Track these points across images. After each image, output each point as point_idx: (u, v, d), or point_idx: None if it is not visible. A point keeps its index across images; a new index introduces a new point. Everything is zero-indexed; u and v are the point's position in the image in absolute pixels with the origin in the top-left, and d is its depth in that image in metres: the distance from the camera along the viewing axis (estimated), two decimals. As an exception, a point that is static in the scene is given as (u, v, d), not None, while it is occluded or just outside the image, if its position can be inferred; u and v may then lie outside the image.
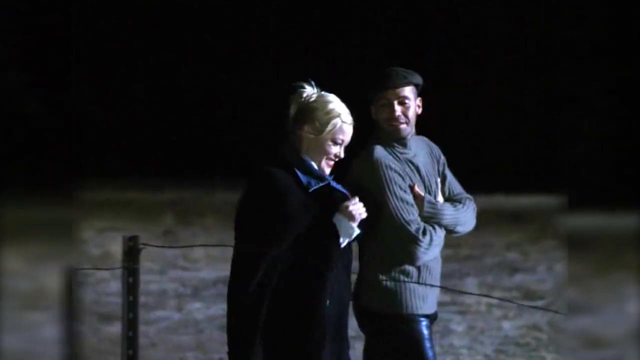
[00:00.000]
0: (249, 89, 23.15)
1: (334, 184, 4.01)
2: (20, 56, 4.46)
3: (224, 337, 7.81)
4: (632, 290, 4.57)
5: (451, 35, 23.40)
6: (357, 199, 4.00)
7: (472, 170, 23.37)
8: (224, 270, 10.97)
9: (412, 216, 4.24)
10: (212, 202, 18.69)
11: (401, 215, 4.21)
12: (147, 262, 11.73)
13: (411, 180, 4.32)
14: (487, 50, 23.14)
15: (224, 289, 10.02)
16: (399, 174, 4.28)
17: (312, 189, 3.90)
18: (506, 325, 8.64)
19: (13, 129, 4.45)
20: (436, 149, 4.55)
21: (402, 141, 4.36)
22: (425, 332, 4.32)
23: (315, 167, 3.96)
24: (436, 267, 4.41)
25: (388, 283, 4.26)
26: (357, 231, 3.97)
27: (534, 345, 7.99)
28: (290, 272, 3.84)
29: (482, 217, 14.94)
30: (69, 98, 4.53)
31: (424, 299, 4.33)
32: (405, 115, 4.32)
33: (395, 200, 4.22)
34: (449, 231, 4.40)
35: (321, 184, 3.94)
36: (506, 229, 16.72)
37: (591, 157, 4.93)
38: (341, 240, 3.93)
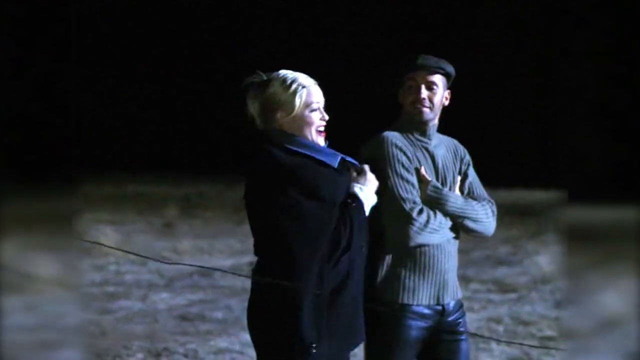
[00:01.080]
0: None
1: (342, 155, 3.91)
2: (20, 53, 4.46)
3: (177, 327, 8.05)
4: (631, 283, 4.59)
5: (452, 30, 23.43)
6: (367, 167, 3.97)
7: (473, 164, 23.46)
8: (206, 262, 11.27)
9: (409, 194, 4.15)
10: (213, 195, 18.77)
11: (398, 191, 4.12)
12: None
13: (419, 164, 4.25)
14: (488, 44, 23.16)
15: (199, 280, 10.26)
16: (406, 155, 4.21)
17: (337, 162, 3.82)
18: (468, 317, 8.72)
19: (13, 125, 4.46)
20: (462, 149, 4.48)
21: (422, 127, 4.30)
22: (406, 325, 4.20)
23: (314, 143, 3.85)
24: (440, 258, 4.26)
25: (379, 266, 4.18)
26: (376, 198, 3.94)
27: (487, 335, 7.96)
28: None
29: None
30: (68, 93, 4.55)
31: (414, 289, 4.20)
32: (431, 101, 4.27)
33: (395, 177, 4.14)
34: (462, 227, 4.30)
35: (339, 157, 3.85)
36: (506, 222, 16.82)
37: (590, 151, 4.94)
38: (366, 209, 3.87)
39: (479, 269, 11.09)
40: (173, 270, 10.88)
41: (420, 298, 4.21)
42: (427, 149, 4.30)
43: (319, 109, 3.85)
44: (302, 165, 3.72)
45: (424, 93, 4.24)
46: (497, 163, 22.09)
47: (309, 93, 3.82)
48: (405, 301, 4.18)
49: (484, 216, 4.32)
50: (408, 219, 4.10)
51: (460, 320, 4.35)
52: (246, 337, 7.66)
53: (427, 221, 4.14)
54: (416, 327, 4.20)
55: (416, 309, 4.21)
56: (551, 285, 10.25)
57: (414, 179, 4.19)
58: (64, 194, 4.70)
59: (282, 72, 3.88)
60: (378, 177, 4.03)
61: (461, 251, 12.96)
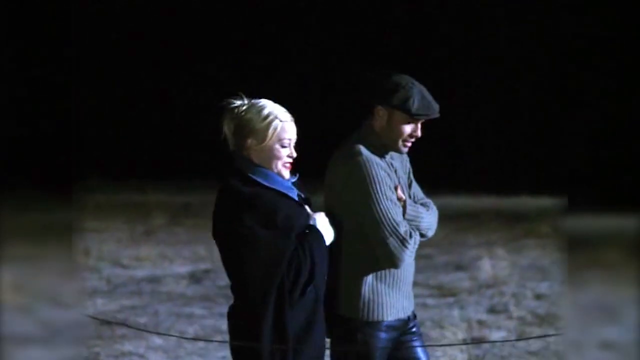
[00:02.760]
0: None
1: (296, 192, 3.95)
2: (20, 60, 4.51)
3: (94, 331, 7.98)
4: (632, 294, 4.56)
5: (453, 36, 23.36)
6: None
7: (473, 170, 23.42)
8: (165, 269, 11.44)
9: (400, 217, 4.10)
10: (206, 203, 18.90)
11: (391, 216, 4.04)
12: (98, 260, 12.12)
13: (393, 181, 4.20)
14: (489, 52, 23.07)
15: (144, 286, 10.34)
16: (388, 174, 4.14)
17: (295, 195, 3.89)
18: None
19: (12, 132, 4.53)
20: (406, 158, 4.41)
21: (387, 149, 4.24)
22: (381, 339, 4.17)
23: (277, 176, 3.90)
24: (409, 271, 4.26)
25: (356, 288, 4.13)
26: (333, 234, 3.97)
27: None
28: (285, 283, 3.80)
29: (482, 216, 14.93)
30: (68, 103, 4.60)
31: (390, 305, 4.19)
32: None
33: (385, 201, 4.05)
34: (422, 237, 4.27)
35: (295, 194, 3.91)
36: (494, 228, 16.81)
37: (591, 159, 4.93)
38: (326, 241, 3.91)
39: (432, 274, 11.09)
40: (124, 277, 11.05)
41: (396, 312, 4.22)
42: (391, 164, 4.26)
43: (289, 145, 3.91)
44: (260, 195, 3.78)
45: (419, 134, 4.21)
46: (499, 170, 21.98)
47: (282, 128, 3.89)
48: (381, 318, 4.17)
49: (435, 223, 4.33)
50: (403, 243, 4.06)
51: (415, 321, 4.39)
52: (156, 341, 7.83)
53: (415, 242, 4.12)
54: (387, 340, 4.21)
55: (389, 323, 4.21)
56: (493, 290, 10.22)
57: (395, 199, 4.15)
58: (63, 204, 4.74)
59: (263, 101, 3.94)
60: (354, 199, 4.03)
61: (425, 257, 12.86)
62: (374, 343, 4.12)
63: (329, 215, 4.01)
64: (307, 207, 3.95)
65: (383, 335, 4.17)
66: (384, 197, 4.06)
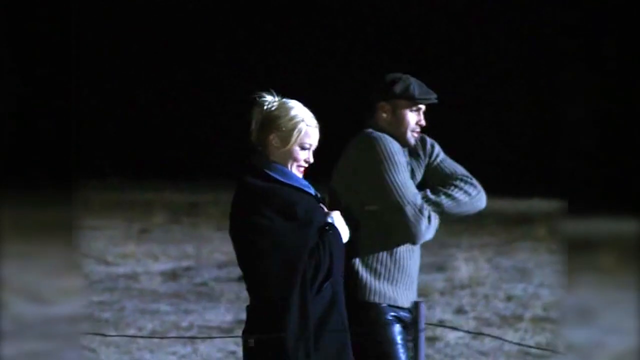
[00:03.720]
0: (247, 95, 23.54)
1: (313, 189, 3.95)
2: (19, 60, 4.54)
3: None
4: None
5: (453, 40, 23.31)
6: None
7: (474, 173, 23.25)
8: (142, 267, 11.53)
9: (416, 190, 4.15)
10: (209, 202, 18.99)
11: (408, 187, 4.12)
12: (83, 256, 12.21)
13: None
14: (488, 53, 22.99)
15: (126, 282, 10.40)
16: (402, 155, 4.20)
17: (313, 191, 3.90)
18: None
19: (10, 132, 4.56)
20: (425, 143, 4.42)
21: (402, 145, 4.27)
22: (388, 320, 4.20)
23: (293, 173, 3.91)
24: (416, 262, 4.30)
25: (367, 271, 4.18)
26: (349, 234, 3.96)
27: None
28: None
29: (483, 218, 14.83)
30: (67, 103, 4.62)
31: (398, 292, 4.21)
32: None
33: (403, 173, 4.13)
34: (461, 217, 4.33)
35: (313, 191, 3.92)
36: (492, 230, 16.78)
37: (590, 163, 4.91)
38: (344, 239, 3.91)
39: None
40: (102, 274, 11.15)
41: (400, 299, 4.23)
42: (404, 154, 4.28)
43: (309, 149, 3.93)
44: (278, 189, 3.81)
45: (424, 120, 4.31)
46: (498, 172, 21.92)
47: (306, 133, 3.90)
48: (392, 303, 4.19)
49: (477, 200, 4.31)
50: (421, 211, 4.09)
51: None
52: (111, 337, 7.88)
53: (430, 218, 4.13)
54: (398, 324, 4.21)
55: (395, 312, 4.22)
56: (467, 291, 10.20)
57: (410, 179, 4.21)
58: (62, 202, 4.74)
59: (293, 102, 3.97)
60: (371, 174, 4.08)
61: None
62: (385, 323, 4.16)
63: (343, 211, 4.00)
64: (323, 206, 3.95)
65: (394, 318, 4.19)
66: (402, 169, 4.13)
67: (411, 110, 4.27)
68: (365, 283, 4.17)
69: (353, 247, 4.08)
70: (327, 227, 3.84)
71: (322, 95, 24.26)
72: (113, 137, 25.51)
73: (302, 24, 25.01)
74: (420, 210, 4.10)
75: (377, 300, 4.17)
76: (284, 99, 3.97)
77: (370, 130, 4.24)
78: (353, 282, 4.14)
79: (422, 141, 4.41)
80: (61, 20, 4.65)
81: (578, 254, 4.85)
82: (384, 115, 4.28)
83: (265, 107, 3.93)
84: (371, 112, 4.33)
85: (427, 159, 4.40)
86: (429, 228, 4.13)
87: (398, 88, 4.26)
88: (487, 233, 16.52)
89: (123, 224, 16.21)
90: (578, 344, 7.75)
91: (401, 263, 4.22)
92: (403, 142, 4.27)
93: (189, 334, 8.20)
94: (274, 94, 3.97)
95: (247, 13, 25.47)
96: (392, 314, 4.20)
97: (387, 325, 4.17)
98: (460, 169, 4.39)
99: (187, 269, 11.59)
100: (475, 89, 22.87)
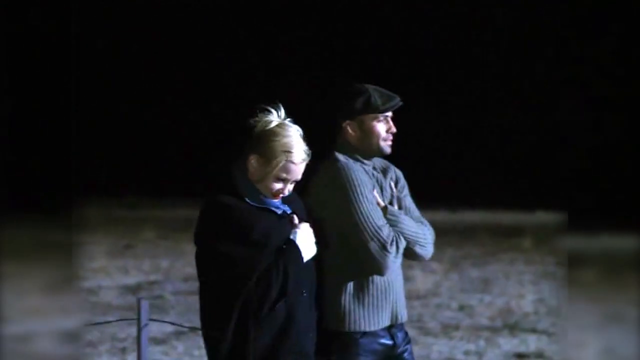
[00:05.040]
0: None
1: (284, 207, 3.83)
2: (16, 78, 4.54)
3: None
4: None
5: (449, 49, 23.24)
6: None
7: (471, 187, 23.20)
8: (108, 281, 11.58)
9: (382, 221, 3.97)
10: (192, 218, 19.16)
11: (372, 220, 3.94)
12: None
13: (373, 186, 4.09)
14: (486, 65, 22.91)
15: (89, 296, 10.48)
16: (368, 178, 4.06)
17: (280, 211, 3.77)
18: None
19: (11, 152, 4.57)
20: (394, 171, 4.30)
21: (374, 156, 4.19)
22: (364, 350, 4.02)
23: (264, 196, 3.77)
24: (397, 279, 4.09)
25: (338, 298, 4.01)
26: (315, 248, 3.83)
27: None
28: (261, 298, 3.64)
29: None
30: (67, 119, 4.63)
31: (371, 315, 4.04)
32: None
33: (367, 204, 3.96)
34: (410, 252, 4.06)
35: (283, 209, 3.80)
36: (482, 242, 16.78)
37: (590, 176, 4.88)
38: (305, 255, 3.75)
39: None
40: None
41: (380, 321, 4.06)
42: (372, 173, 4.17)
43: (285, 180, 3.75)
44: (239, 209, 3.68)
45: (394, 128, 4.17)
46: (498, 186, 21.81)
47: (285, 166, 3.71)
48: (364, 328, 4.02)
49: (430, 241, 4.15)
50: (385, 249, 3.93)
51: (407, 346, 4.18)
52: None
53: (398, 247, 3.97)
54: (372, 351, 4.05)
55: (369, 344, 4.05)
56: (422, 301, 10.19)
57: (376, 205, 4.03)
58: (63, 222, 4.69)
59: (293, 129, 3.78)
60: (335, 205, 3.95)
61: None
62: (356, 353, 3.99)
63: (316, 227, 3.87)
64: (295, 219, 3.80)
65: (366, 346, 4.03)
66: (365, 200, 3.97)
67: (378, 121, 4.13)
68: (334, 308, 4.00)
69: (322, 266, 3.94)
70: (285, 245, 3.69)
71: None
72: (110, 152, 25.65)
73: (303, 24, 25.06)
74: (384, 246, 3.92)
75: (346, 328, 4.00)
76: (286, 122, 3.78)
77: (336, 157, 4.06)
78: (324, 307, 3.98)
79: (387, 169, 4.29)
80: (61, 38, 4.63)
81: (575, 269, 4.75)
82: (352, 133, 4.13)
83: (261, 123, 3.74)
84: (338, 131, 4.17)
85: (393, 183, 4.24)
86: (395, 261, 3.94)
87: (359, 103, 4.10)
88: (475, 244, 16.49)
89: (105, 240, 16.34)
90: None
91: (374, 284, 4.03)
92: (378, 153, 4.15)
93: (122, 344, 8.23)
94: (281, 109, 3.79)
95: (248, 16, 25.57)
96: (364, 341, 4.02)
97: (355, 356, 3.99)
98: (417, 212, 4.23)
99: (152, 282, 11.64)
100: (474, 106, 22.83)
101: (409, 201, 4.24)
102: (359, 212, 3.95)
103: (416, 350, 8.15)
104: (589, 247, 4.65)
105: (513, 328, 8.75)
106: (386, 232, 3.94)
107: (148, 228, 18.12)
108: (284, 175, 3.70)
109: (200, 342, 3.77)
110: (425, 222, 4.21)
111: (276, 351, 3.64)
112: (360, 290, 4.01)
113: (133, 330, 8.59)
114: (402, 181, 4.28)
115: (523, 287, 11.23)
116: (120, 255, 14.36)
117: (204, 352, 3.70)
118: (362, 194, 3.96)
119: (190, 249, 12.36)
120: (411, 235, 4.05)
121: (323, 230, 3.90)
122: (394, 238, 3.96)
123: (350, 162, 4.07)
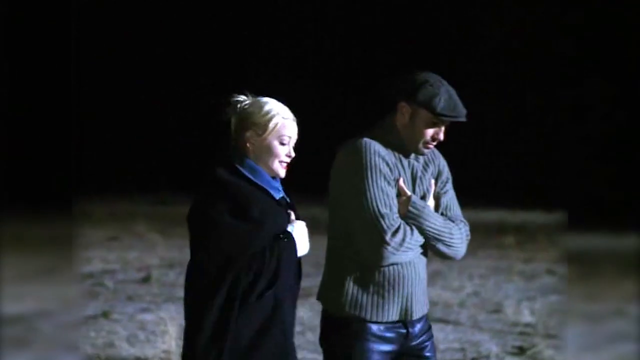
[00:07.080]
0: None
1: (285, 196, 3.82)
2: (20, 74, 4.49)
3: None
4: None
5: (451, 49, 23.26)
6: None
7: (471, 186, 23.17)
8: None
9: (387, 209, 3.76)
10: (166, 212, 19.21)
11: (376, 205, 3.74)
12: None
13: (399, 176, 3.89)
14: (489, 68, 22.96)
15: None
16: (387, 165, 3.84)
17: (278, 196, 3.75)
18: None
19: (10, 147, 4.51)
20: (441, 162, 4.10)
21: (405, 148, 3.96)
22: (368, 340, 3.87)
23: (267, 173, 3.78)
24: (408, 273, 3.90)
25: (341, 281, 3.89)
26: (308, 248, 3.80)
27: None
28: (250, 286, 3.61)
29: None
30: (68, 115, 4.57)
31: (379, 305, 3.87)
32: None
33: (375, 189, 3.76)
34: (433, 249, 3.90)
35: (281, 194, 3.79)
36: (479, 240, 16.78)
37: (591, 177, 4.83)
38: (299, 251, 3.74)
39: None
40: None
41: (386, 314, 3.89)
42: (407, 160, 3.96)
43: (288, 143, 3.80)
44: (239, 186, 3.67)
45: (442, 137, 3.93)
46: (497, 185, 21.88)
47: (283, 125, 3.78)
48: (370, 318, 3.86)
49: (458, 241, 3.93)
50: (383, 239, 3.74)
51: (426, 343, 4.02)
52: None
53: (403, 240, 3.77)
54: (378, 351, 3.88)
55: (379, 331, 3.89)
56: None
57: (393, 192, 3.83)
58: (62, 217, 4.69)
59: (267, 98, 3.88)
60: (346, 187, 3.84)
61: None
62: (359, 341, 3.84)
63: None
64: (291, 213, 3.80)
65: (371, 336, 3.86)
66: (373, 184, 3.77)
67: (431, 122, 3.86)
68: (336, 288, 3.90)
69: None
70: (282, 235, 3.68)
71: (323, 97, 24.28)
72: (110, 149, 25.65)
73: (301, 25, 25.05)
74: (381, 235, 3.74)
75: (346, 311, 3.87)
76: (258, 97, 3.86)
77: (358, 138, 3.86)
78: (330, 294, 3.91)
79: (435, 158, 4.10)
80: (61, 36, 4.60)
81: (577, 267, 4.70)
82: (402, 117, 3.91)
83: (238, 106, 3.81)
84: (390, 109, 3.98)
85: (434, 179, 4.04)
86: (397, 253, 3.77)
87: (422, 95, 3.85)
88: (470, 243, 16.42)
89: (95, 232, 16.26)
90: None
91: (382, 273, 3.86)
92: (413, 150, 3.94)
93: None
94: (248, 94, 3.86)
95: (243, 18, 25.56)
96: (372, 330, 3.87)
97: (362, 342, 3.84)
98: (457, 211, 4.03)
99: (107, 271, 11.92)
100: (476, 105, 22.95)
101: (449, 197, 4.05)
102: (364, 195, 3.77)
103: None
104: (589, 247, 4.62)
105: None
106: (388, 221, 3.75)
107: (140, 222, 18.01)
108: (285, 132, 3.75)
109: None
110: (463, 222, 4.00)
111: (264, 339, 3.62)
112: (366, 276, 3.86)
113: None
114: (445, 176, 4.08)
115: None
116: (100, 248, 14.26)
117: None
118: (370, 177, 3.77)
119: (169, 241, 12.12)
120: (433, 232, 3.86)
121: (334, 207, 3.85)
122: (400, 229, 3.77)
123: (375, 145, 3.86)
